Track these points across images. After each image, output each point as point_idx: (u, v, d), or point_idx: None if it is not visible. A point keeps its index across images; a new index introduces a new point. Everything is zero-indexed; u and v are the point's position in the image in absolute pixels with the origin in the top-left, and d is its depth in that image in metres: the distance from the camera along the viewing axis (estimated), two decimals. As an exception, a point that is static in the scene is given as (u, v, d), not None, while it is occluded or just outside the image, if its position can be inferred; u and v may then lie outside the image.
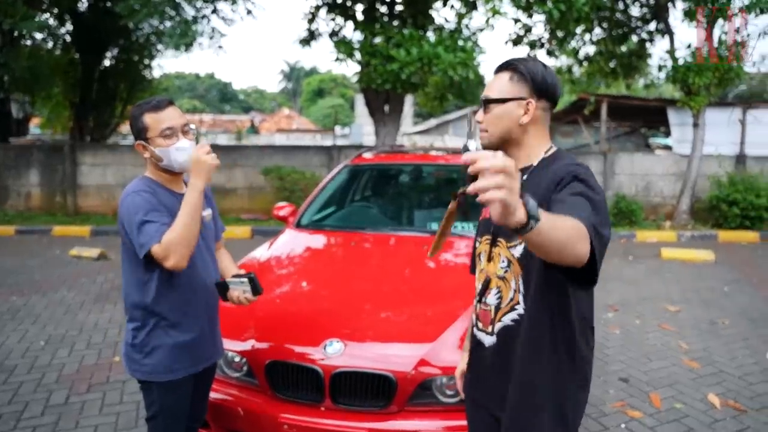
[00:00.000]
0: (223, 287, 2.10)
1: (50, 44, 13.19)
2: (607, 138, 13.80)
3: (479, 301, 1.71)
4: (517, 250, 1.57)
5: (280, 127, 35.19)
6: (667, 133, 17.79)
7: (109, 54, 13.47)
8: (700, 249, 8.57)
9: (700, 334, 4.94)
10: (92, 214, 11.08)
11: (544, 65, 1.60)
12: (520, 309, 1.58)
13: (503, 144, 1.63)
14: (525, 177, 1.60)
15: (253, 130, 31.64)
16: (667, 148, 14.77)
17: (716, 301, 5.94)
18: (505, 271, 1.60)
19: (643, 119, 16.54)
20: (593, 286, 1.39)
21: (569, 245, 1.21)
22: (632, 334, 4.92)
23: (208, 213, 2.22)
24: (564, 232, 1.20)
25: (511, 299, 1.59)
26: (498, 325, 1.63)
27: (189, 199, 1.92)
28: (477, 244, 1.78)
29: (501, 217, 1.09)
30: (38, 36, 12.02)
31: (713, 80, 9.99)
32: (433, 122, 29.24)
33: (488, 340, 1.66)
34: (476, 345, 1.74)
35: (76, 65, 13.26)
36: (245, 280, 2.07)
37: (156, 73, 15.59)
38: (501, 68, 1.63)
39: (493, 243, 1.65)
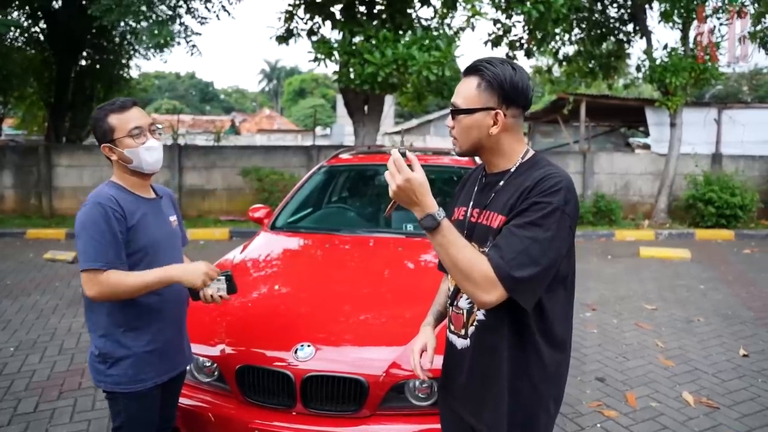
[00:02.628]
0: None
1: (21, 43, 12.92)
2: (586, 138, 13.93)
3: (451, 304, 1.68)
4: None
5: (261, 128, 34.97)
6: (647, 133, 18.01)
7: (85, 53, 13.25)
8: (677, 247, 8.68)
9: (676, 332, 4.99)
10: (68, 216, 10.88)
11: (514, 67, 1.53)
12: (480, 314, 1.57)
13: (476, 151, 1.60)
14: (501, 183, 1.57)
15: (234, 130, 31.39)
16: (648, 147, 14.95)
17: (692, 299, 6.01)
18: None
19: (622, 119, 16.72)
20: (528, 308, 1.46)
21: (464, 278, 1.41)
22: (609, 333, 4.96)
23: (173, 219, 2.17)
24: (464, 259, 1.40)
25: None
26: (471, 329, 1.60)
27: (153, 279, 1.88)
28: None
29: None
30: (9, 34, 11.76)
31: (689, 80, 10.13)
32: (414, 122, 29.25)
33: (461, 343, 1.64)
34: (449, 348, 1.72)
35: (50, 65, 13.02)
36: (221, 278, 2.02)
37: (134, 73, 15.45)
38: (469, 71, 1.57)
39: None
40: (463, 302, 1.63)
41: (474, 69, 1.55)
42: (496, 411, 1.56)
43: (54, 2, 12.10)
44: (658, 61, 10.27)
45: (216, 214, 11.23)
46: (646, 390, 3.83)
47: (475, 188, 1.68)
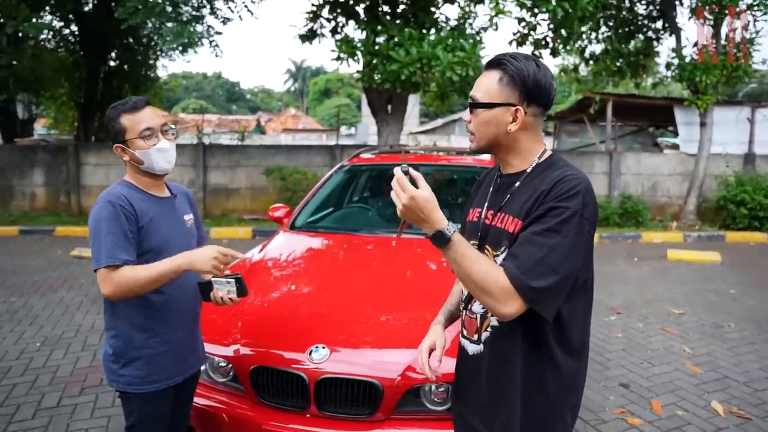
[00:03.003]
0: (206, 287, 2.03)
1: (53, 44, 13.21)
2: (613, 137, 13.69)
3: (465, 308, 1.64)
4: (501, 260, 1.48)
5: (287, 127, 35.19)
6: (676, 133, 17.62)
7: (113, 54, 13.49)
8: (706, 250, 8.46)
9: (705, 337, 4.85)
10: (96, 214, 11.08)
11: (538, 64, 1.47)
12: (494, 320, 1.52)
13: (492, 148, 1.55)
14: (517, 184, 1.52)
15: (260, 129, 31.65)
16: (677, 147, 14.63)
17: (722, 304, 5.84)
18: None
19: (650, 118, 16.39)
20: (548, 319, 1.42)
21: (481, 291, 1.38)
22: (635, 337, 4.84)
23: (188, 217, 2.15)
24: (479, 272, 1.37)
25: None
26: (484, 335, 1.56)
27: (164, 269, 1.83)
28: None
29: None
30: (42, 36, 12.03)
31: (721, 78, 9.87)
32: (439, 122, 29.16)
33: (473, 348, 1.60)
34: (461, 352, 1.68)
35: (81, 66, 13.29)
36: (232, 280, 2.00)
37: (161, 73, 15.65)
38: (491, 65, 1.51)
39: (480, 249, 1.56)
40: (476, 307, 1.58)
41: (497, 62, 1.49)
42: (509, 422, 1.51)
43: (84, 5, 12.34)
44: (687, 59, 10.03)
45: (240, 213, 11.31)
46: (673, 397, 3.72)
47: (491, 189, 1.62)
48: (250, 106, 59.07)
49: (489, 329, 1.54)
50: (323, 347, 2.32)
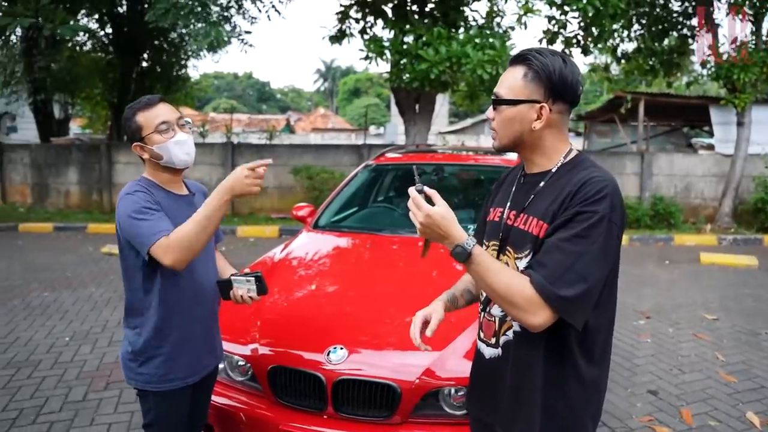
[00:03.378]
0: (225, 285, 2.03)
1: (89, 46, 13.53)
2: (645, 138, 13.39)
3: (483, 311, 1.60)
4: (523, 263, 1.44)
5: (316, 127, 35.40)
6: (711, 133, 17.15)
7: (145, 55, 13.75)
8: (742, 254, 8.20)
9: (739, 345, 4.68)
10: (127, 211, 11.30)
11: (565, 60, 1.42)
12: (517, 325, 1.47)
13: (516, 147, 1.50)
14: (542, 184, 1.47)
15: (289, 129, 31.90)
16: (712, 147, 14.26)
17: (759, 310, 5.64)
18: None
19: (684, 118, 15.99)
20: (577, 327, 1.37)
21: (507, 303, 1.34)
22: (665, 343, 4.70)
23: None
24: (502, 283, 1.33)
25: None
26: (503, 339, 1.51)
27: (208, 208, 1.79)
28: (483, 247, 1.61)
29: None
30: (77, 39, 12.33)
31: (761, 76, 9.55)
32: (468, 121, 28.95)
33: (490, 352, 1.56)
34: (477, 356, 1.64)
35: (114, 66, 13.58)
36: (251, 278, 1.99)
37: (193, 73, 15.91)
38: (516, 60, 1.46)
39: (501, 250, 1.52)
40: (496, 310, 1.53)
41: (522, 58, 1.45)
42: (529, 429, 1.46)
43: (119, 7, 12.60)
44: (725, 57, 9.74)
45: (267, 211, 11.41)
46: (704, 407, 3.59)
47: (513, 189, 1.57)
48: (280, 105, 59.62)
49: (509, 333, 1.50)
50: (341, 348, 2.29)
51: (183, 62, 14.60)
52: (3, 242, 8.93)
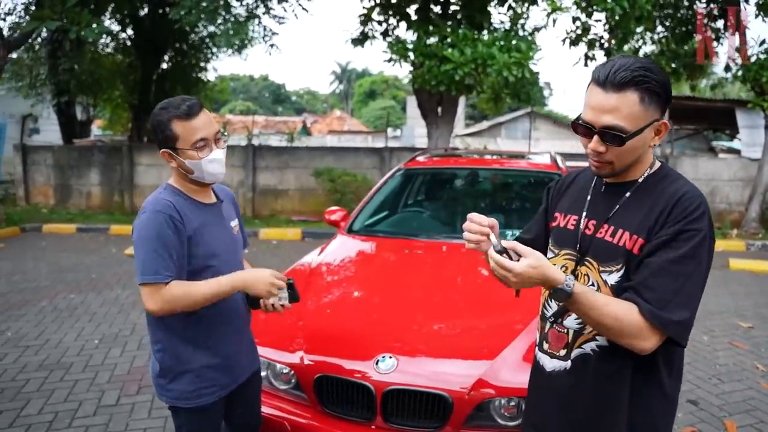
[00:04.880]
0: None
1: (111, 48, 13.64)
2: (668, 141, 13.21)
3: (554, 322, 1.53)
4: (612, 277, 1.39)
5: (332, 129, 35.43)
6: (732, 136, 16.88)
7: (166, 57, 13.82)
8: (772, 260, 8.04)
9: (778, 354, 4.58)
10: (148, 213, 11.36)
11: (659, 67, 1.34)
12: (602, 340, 1.41)
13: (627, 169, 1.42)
14: (628, 195, 1.42)
15: (305, 131, 31.96)
16: (732, 151, 14.04)
17: (794, 318, 5.52)
18: None
19: (708, 121, 15.76)
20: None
21: (616, 333, 1.31)
22: (700, 351, 4.60)
23: (235, 224, 2.08)
24: (609, 315, 1.29)
25: None
26: (576, 351, 1.46)
27: (217, 291, 1.79)
28: (550, 254, 1.58)
29: None
30: (101, 41, 12.45)
31: (790, 79, 9.39)
32: (485, 124, 28.83)
33: (554, 365, 1.51)
34: (535, 368, 1.59)
35: (135, 68, 13.67)
36: (283, 286, 1.95)
37: (211, 75, 15.95)
38: (623, 86, 1.29)
39: (580, 262, 1.47)
40: (570, 321, 1.47)
41: (632, 81, 1.29)
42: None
43: (140, 9, 12.69)
44: (753, 59, 9.58)
45: (288, 214, 11.40)
46: (749, 419, 3.50)
47: (589, 196, 1.51)
48: (295, 107, 59.80)
49: (585, 347, 1.44)
50: (390, 357, 2.25)
51: (203, 64, 14.67)
52: (28, 243, 9.01)
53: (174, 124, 1.79)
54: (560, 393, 1.50)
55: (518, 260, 1.29)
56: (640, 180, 1.42)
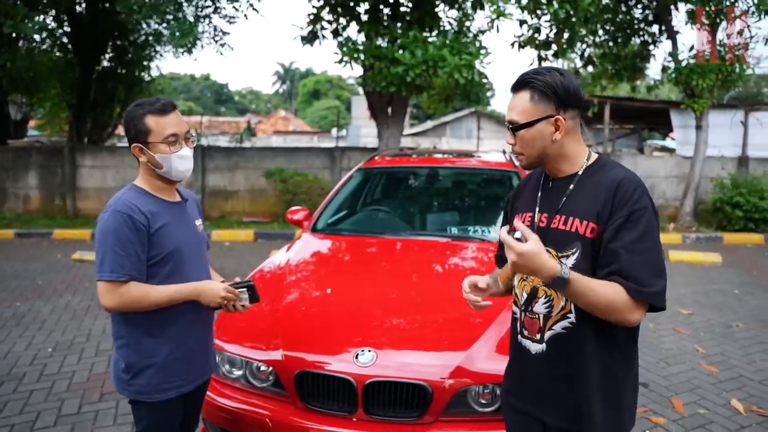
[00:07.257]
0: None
1: (48, 45, 13.06)
2: (610, 139, 13.81)
3: (525, 310, 1.67)
4: (570, 260, 1.55)
5: (277, 129, 35.08)
6: (665, 135, 17.79)
7: (107, 55, 13.34)
8: (705, 251, 8.55)
9: (716, 337, 4.90)
10: (92, 216, 10.94)
11: (561, 72, 1.57)
12: (572, 317, 1.57)
13: (542, 161, 1.63)
14: (571, 186, 1.59)
15: (250, 132, 31.49)
16: (665, 149, 14.79)
17: (728, 304, 5.91)
18: None
19: (645, 121, 16.56)
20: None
21: (610, 312, 1.45)
22: (647, 337, 4.88)
23: (199, 222, 2.13)
24: (602, 298, 1.44)
25: (563, 308, 1.58)
26: (548, 333, 1.61)
27: (174, 297, 1.90)
28: None
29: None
30: (36, 37, 11.89)
31: (716, 82, 9.99)
32: (429, 124, 29.21)
33: (536, 348, 1.64)
34: (520, 352, 1.70)
35: (73, 66, 13.13)
36: (243, 288, 1.99)
37: (155, 74, 15.47)
38: (518, 87, 1.59)
39: None
40: (539, 307, 1.63)
41: (523, 83, 1.58)
42: (589, 412, 1.57)
43: (78, 5, 12.21)
44: (684, 63, 10.15)
45: (239, 215, 11.25)
46: (693, 396, 3.76)
47: (539, 193, 1.69)
48: (238, 107, 58.77)
49: (556, 328, 1.59)
50: (369, 350, 2.31)
51: (146, 63, 14.24)
52: (-38, 250, 8.56)
53: (148, 119, 1.86)
54: (541, 371, 1.64)
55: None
56: (580, 172, 1.61)
